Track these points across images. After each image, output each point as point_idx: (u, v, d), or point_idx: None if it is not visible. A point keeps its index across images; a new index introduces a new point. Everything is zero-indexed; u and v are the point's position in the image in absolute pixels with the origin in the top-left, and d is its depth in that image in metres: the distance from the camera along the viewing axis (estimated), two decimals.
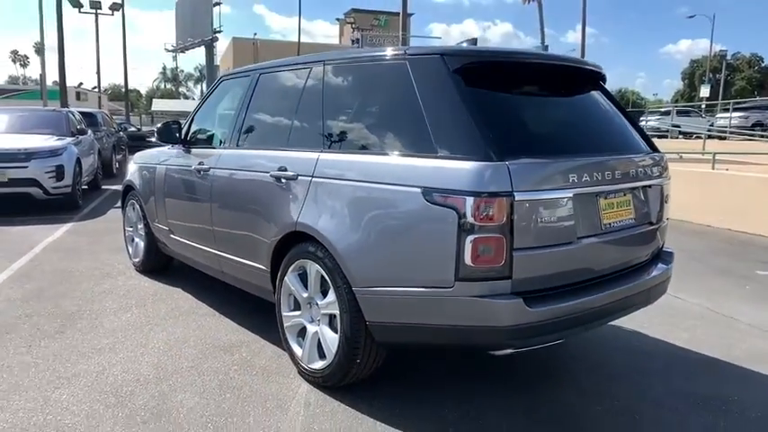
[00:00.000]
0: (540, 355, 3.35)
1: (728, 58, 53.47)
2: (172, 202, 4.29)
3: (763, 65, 58.06)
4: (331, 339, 2.80)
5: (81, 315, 3.96)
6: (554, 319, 2.35)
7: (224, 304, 4.17)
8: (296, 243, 2.99)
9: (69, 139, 8.72)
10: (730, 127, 18.38)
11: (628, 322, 3.67)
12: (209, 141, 4.09)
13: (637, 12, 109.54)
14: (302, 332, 3.05)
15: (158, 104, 55.07)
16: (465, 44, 2.98)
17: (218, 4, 41.05)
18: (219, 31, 41.75)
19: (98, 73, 39.40)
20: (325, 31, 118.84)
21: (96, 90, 45.23)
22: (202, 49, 44.82)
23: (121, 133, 15.64)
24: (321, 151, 2.89)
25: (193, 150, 4.04)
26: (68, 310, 4.04)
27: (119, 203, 9.07)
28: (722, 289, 4.95)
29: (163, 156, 4.51)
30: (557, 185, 2.36)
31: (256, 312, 3.95)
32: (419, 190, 2.36)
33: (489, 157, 2.26)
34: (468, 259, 2.24)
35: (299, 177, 2.94)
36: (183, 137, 4.18)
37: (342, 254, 2.63)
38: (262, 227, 3.22)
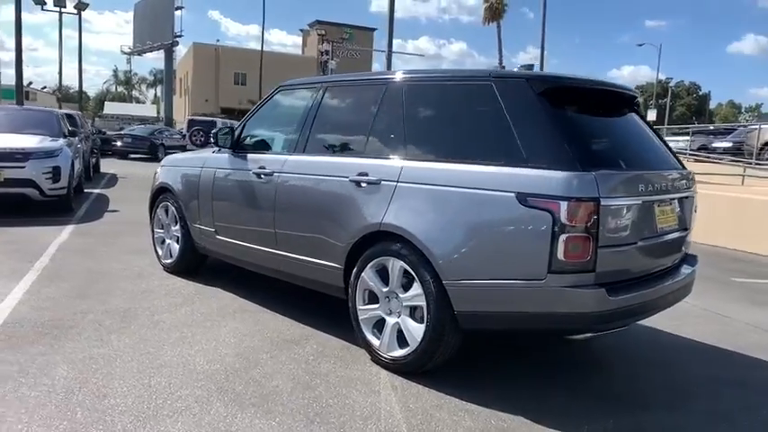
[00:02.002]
0: (581, 347, 3.76)
1: (671, 85, 56.86)
2: (221, 205, 4.48)
3: (700, 92, 62.00)
4: (414, 329, 3.10)
5: (136, 312, 4.08)
6: (626, 307, 2.74)
7: (270, 302, 4.38)
8: (376, 242, 3.28)
9: (63, 141, 8.63)
10: (689, 149, 19.62)
11: (642, 320, 4.14)
12: (267, 147, 4.32)
13: (583, 36, 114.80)
14: (378, 324, 3.34)
15: (110, 108, 53.48)
16: (518, 68, 3.38)
17: (180, 8, 40.56)
18: (180, 36, 41.20)
19: (60, 73, 38.04)
20: (281, 41, 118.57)
21: (46, 90, 43.66)
22: (156, 53, 44.01)
23: (96, 136, 15.34)
24: (405, 159, 3.20)
25: (250, 155, 4.25)
26: (120, 308, 4.15)
27: (112, 207, 9.15)
28: (709, 293, 5.53)
29: (207, 160, 4.69)
30: (630, 194, 2.77)
31: (306, 308, 4.20)
32: (513, 194, 2.72)
33: (578, 167, 2.64)
34: (560, 255, 2.61)
35: (383, 182, 3.24)
36: (234, 142, 4.39)
37: (432, 251, 2.94)
38: (336, 227, 3.48)
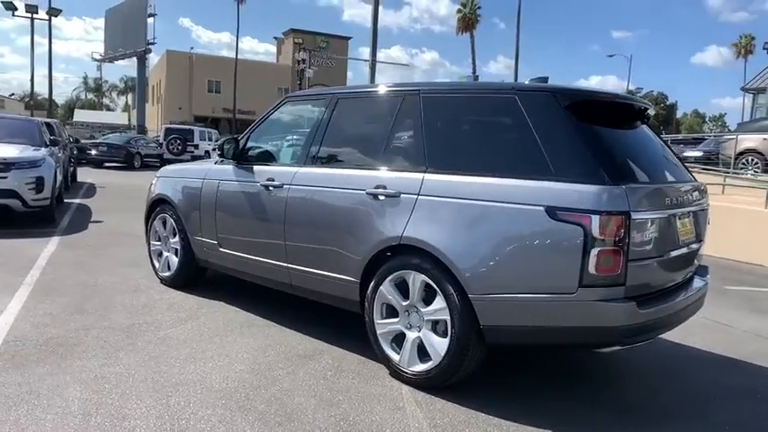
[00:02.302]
0: (592, 358, 3.78)
1: (639, 95, 58.30)
2: (225, 217, 4.39)
3: (667, 102, 63.72)
4: (438, 343, 3.07)
5: (140, 328, 3.97)
6: (654, 320, 2.77)
7: (276, 315, 4.31)
8: (395, 255, 3.25)
9: (45, 150, 8.38)
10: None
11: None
12: (274, 158, 4.26)
13: (553, 46, 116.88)
14: (397, 338, 3.30)
15: (80, 115, 52.36)
16: (530, 81, 3.41)
17: (153, 15, 39.99)
18: (153, 43, 40.62)
19: (32, 81, 37.07)
20: (253, 48, 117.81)
21: (13, 97, 42.50)
22: (127, 60, 43.32)
23: (73, 145, 14.97)
24: (425, 172, 3.19)
25: (257, 167, 4.18)
26: (123, 324, 4.03)
27: (95, 218, 8.90)
28: (708, 301, 5.63)
29: (210, 171, 4.60)
30: (656, 207, 2.80)
31: (313, 321, 4.15)
32: (542, 208, 2.72)
33: (607, 181, 2.66)
34: (591, 268, 2.62)
35: (402, 195, 3.22)
36: (239, 153, 4.32)
37: (457, 264, 2.92)
38: (352, 241, 3.44)
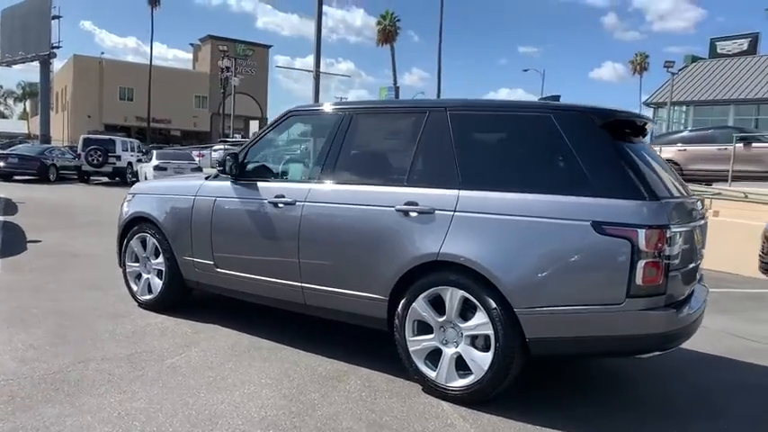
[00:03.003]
0: (597, 365, 3.97)
1: None
2: (223, 236, 4.20)
3: None
4: (480, 357, 3.10)
5: (141, 357, 3.70)
6: (686, 326, 2.96)
7: (279, 336, 4.16)
8: (428, 272, 3.26)
9: None
10: None
11: None
12: (280, 174, 4.12)
13: (465, 59, 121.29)
14: (431, 355, 3.30)
15: None
16: (540, 99, 3.57)
17: (58, 17, 37.45)
18: (59, 47, 38.07)
19: None
20: (162, 54, 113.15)
21: None
22: (26, 64, 40.40)
23: None
24: (460, 189, 3.22)
25: (261, 184, 4.03)
26: (120, 353, 3.74)
27: (31, 237, 8.15)
28: None
29: (203, 187, 4.38)
30: (685, 220, 3.01)
31: (321, 340, 4.08)
32: (588, 223, 2.84)
33: (647, 196, 2.83)
34: (638, 280, 2.76)
35: (437, 212, 3.23)
36: (238, 169, 4.15)
37: (503, 279, 2.98)
38: (380, 258, 3.41)
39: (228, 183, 4.22)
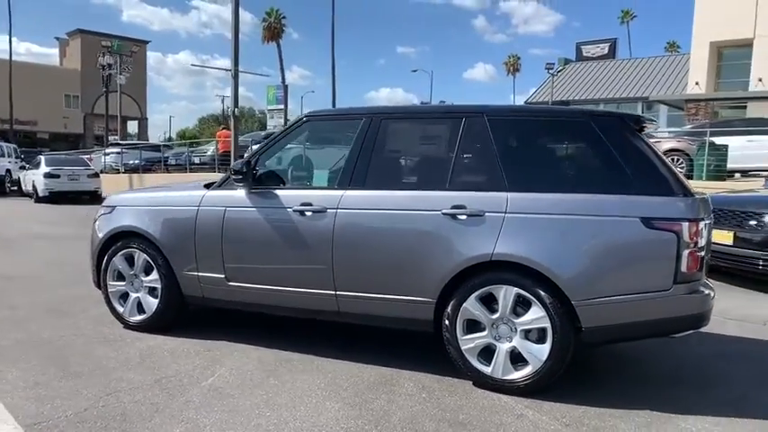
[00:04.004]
0: (610, 350, 4.34)
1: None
2: (237, 247, 4.01)
3: None
4: (537, 350, 3.29)
5: (172, 383, 3.46)
6: (711, 307, 3.35)
7: (306, 348, 4.03)
8: (479, 272, 3.39)
9: None
10: None
11: None
12: (302, 181, 4.01)
13: (346, 59, 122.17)
14: (483, 351, 3.44)
15: None
16: (550, 104, 3.84)
17: None
18: None
19: None
20: (13, 49, 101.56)
21: None
22: None
23: None
24: (508, 191, 3.37)
25: (280, 192, 3.91)
26: (145, 381, 3.47)
27: None
28: None
29: (207, 198, 4.15)
30: (708, 213, 3.40)
31: (353, 349, 4.04)
32: (638, 219, 3.13)
33: (686, 193, 3.18)
34: (684, 267, 3.10)
35: (487, 214, 3.37)
36: (252, 177, 3.99)
37: (560, 275, 3.19)
38: (426, 262, 3.47)
39: (239, 192, 4.04)
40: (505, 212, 3.35)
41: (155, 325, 4.38)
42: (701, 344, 4.49)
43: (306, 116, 4.10)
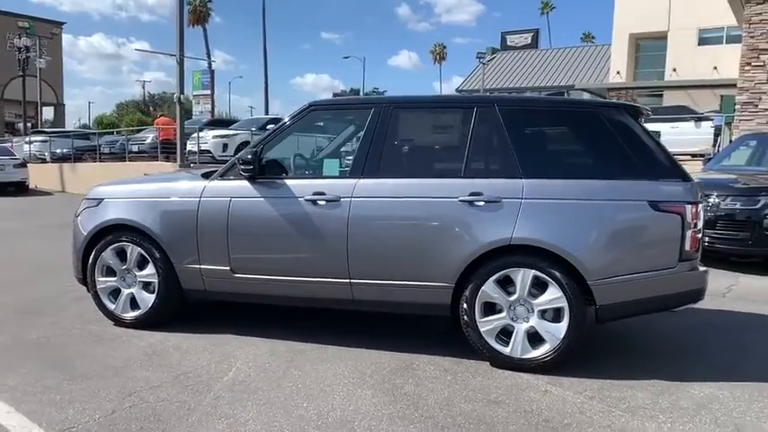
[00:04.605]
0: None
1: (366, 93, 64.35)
2: (245, 238, 3.93)
3: None
4: (554, 328, 3.47)
5: (192, 379, 3.37)
6: (707, 282, 3.65)
7: (311, 336, 4.04)
8: (497, 256, 3.52)
9: None
10: None
11: None
12: (312, 171, 3.97)
13: (271, 44, 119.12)
14: (501, 332, 3.58)
15: None
16: (547, 95, 4.06)
17: None
18: None
19: None
20: None
21: None
22: None
23: None
24: (523, 178, 3.51)
25: (290, 182, 3.86)
26: (164, 380, 3.36)
27: None
28: None
29: (208, 188, 4.02)
30: (703, 196, 3.69)
31: (360, 336, 4.08)
32: (646, 202, 3.36)
33: (684, 178, 3.44)
34: (687, 246, 3.37)
35: (504, 200, 3.49)
36: (258, 167, 3.91)
37: (577, 256, 3.37)
38: (444, 248, 3.56)
39: (243, 182, 3.95)
40: (522, 198, 3.48)
41: (150, 321, 4.22)
42: (671, 317, 4.86)
43: (311, 106, 4.05)
